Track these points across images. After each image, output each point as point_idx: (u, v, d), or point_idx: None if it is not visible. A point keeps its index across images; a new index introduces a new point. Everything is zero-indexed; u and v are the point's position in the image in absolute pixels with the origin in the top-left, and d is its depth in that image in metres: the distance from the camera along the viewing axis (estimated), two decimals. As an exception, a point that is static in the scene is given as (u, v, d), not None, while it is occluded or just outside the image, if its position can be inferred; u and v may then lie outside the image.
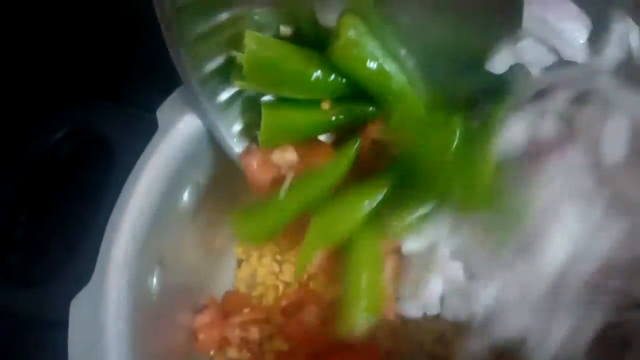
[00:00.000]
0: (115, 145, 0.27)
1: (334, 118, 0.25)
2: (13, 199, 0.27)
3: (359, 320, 0.23)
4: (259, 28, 0.23)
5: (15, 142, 0.28)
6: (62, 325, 0.21)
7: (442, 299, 0.25)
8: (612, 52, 0.21)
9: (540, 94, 0.22)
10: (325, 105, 0.25)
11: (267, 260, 0.40)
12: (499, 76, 0.22)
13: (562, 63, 0.22)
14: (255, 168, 0.27)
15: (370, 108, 0.25)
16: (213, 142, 0.28)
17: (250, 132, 0.27)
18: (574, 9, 0.21)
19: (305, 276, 0.34)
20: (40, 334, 0.27)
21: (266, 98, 0.25)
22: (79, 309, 0.21)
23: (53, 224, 0.30)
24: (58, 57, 0.41)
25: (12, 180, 0.27)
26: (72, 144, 0.28)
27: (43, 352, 0.26)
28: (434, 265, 0.24)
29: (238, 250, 0.41)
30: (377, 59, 0.22)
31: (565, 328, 0.21)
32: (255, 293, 0.38)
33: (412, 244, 0.25)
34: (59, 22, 0.41)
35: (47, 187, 0.28)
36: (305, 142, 0.26)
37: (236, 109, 0.26)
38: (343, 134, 0.27)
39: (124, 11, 0.43)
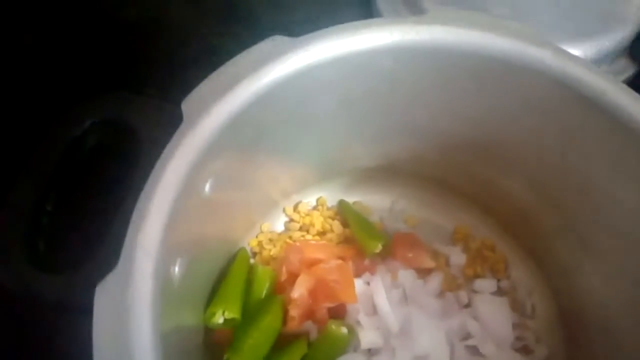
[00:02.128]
0: (141, 136, 0.27)
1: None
2: (41, 186, 0.27)
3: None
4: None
5: (44, 131, 0.29)
6: (87, 310, 0.22)
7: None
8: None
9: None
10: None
11: (276, 251, 0.41)
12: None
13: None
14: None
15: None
16: (236, 135, 0.28)
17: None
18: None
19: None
20: (66, 319, 0.28)
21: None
22: (104, 294, 0.22)
23: (80, 212, 0.30)
24: (82, 51, 0.42)
25: (40, 168, 0.27)
26: (99, 134, 0.29)
27: (68, 337, 0.27)
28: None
29: (252, 243, 0.42)
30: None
31: None
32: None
33: None
34: (89, 17, 0.41)
35: (74, 175, 0.28)
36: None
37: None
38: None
39: (149, 5, 0.43)
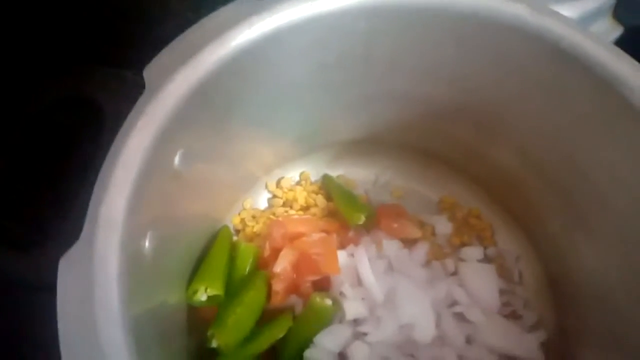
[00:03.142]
0: (105, 108, 0.27)
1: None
2: (5, 165, 0.26)
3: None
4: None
5: (6, 110, 0.28)
6: (53, 286, 0.21)
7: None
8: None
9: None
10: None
11: (259, 227, 0.40)
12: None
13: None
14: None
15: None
16: (205, 103, 0.27)
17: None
18: None
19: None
20: (31, 296, 0.27)
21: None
22: (68, 268, 0.21)
23: (45, 188, 0.30)
24: (56, 27, 0.41)
25: (2, 146, 0.26)
26: (62, 109, 0.28)
27: (34, 313, 0.26)
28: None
29: (235, 220, 0.41)
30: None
31: None
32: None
33: None
34: None
35: (39, 150, 0.28)
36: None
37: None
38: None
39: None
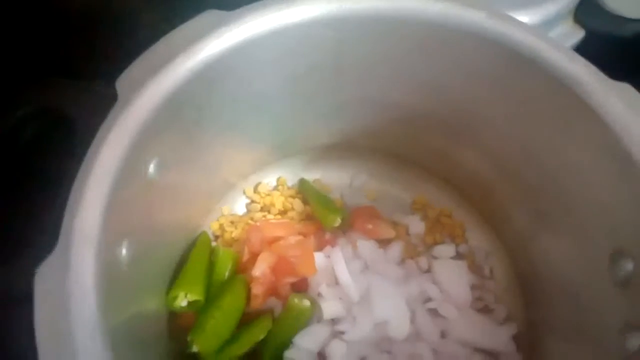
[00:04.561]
0: (77, 122, 0.27)
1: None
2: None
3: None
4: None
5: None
6: (29, 298, 0.22)
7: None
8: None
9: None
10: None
11: (238, 233, 0.41)
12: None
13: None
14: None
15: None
16: (177, 114, 0.28)
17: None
18: None
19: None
20: (7, 308, 0.27)
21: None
22: (44, 279, 0.21)
23: (17, 202, 0.30)
24: (25, 40, 0.41)
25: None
26: (33, 123, 0.28)
27: (10, 325, 0.26)
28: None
29: (214, 226, 0.42)
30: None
31: None
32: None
33: None
34: (33, 4, 0.40)
35: (10, 165, 0.28)
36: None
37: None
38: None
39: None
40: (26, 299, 0.22)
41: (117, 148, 0.24)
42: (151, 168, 0.28)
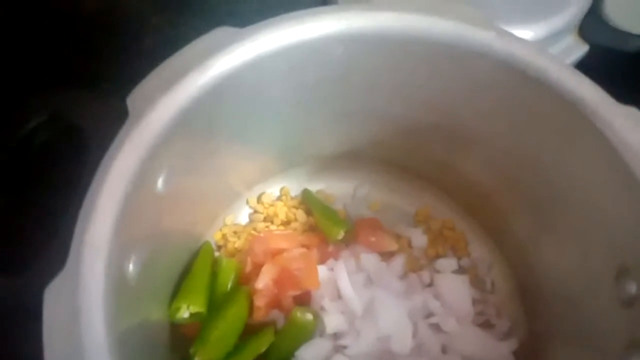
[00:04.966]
0: (89, 133, 0.27)
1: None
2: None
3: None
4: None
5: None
6: (38, 313, 0.22)
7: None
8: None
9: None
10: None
11: (241, 243, 0.41)
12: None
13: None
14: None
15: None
16: (187, 127, 0.28)
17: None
18: None
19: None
20: (16, 323, 0.27)
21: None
22: (53, 296, 0.21)
23: (28, 212, 0.30)
24: (35, 45, 0.41)
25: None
26: (46, 132, 0.28)
27: (19, 341, 0.26)
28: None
29: (217, 236, 0.42)
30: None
31: None
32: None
33: None
34: (42, 10, 0.40)
35: (22, 174, 0.28)
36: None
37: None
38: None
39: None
40: (35, 314, 0.22)
41: (129, 164, 0.24)
42: (160, 181, 0.28)
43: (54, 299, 0.21)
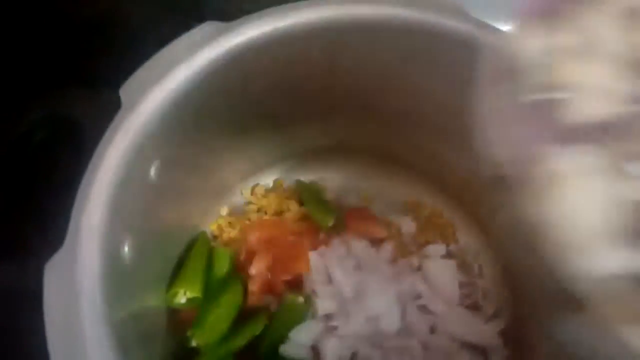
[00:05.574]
0: (84, 127, 0.29)
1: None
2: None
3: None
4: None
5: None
6: (38, 293, 0.23)
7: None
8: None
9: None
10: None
11: (236, 233, 0.42)
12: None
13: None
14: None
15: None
16: (178, 119, 0.29)
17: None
18: None
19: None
20: (17, 303, 0.29)
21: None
22: (53, 273, 0.23)
23: (27, 204, 0.31)
24: (36, 47, 0.42)
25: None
26: (43, 129, 0.30)
27: (20, 321, 0.28)
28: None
29: (213, 226, 0.43)
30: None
31: None
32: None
33: None
34: (43, 13, 0.42)
35: (20, 169, 0.29)
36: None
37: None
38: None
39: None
40: (35, 294, 0.23)
41: (122, 151, 0.26)
42: (153, 170, 0.29)
43: (53, 274, 0.23)
